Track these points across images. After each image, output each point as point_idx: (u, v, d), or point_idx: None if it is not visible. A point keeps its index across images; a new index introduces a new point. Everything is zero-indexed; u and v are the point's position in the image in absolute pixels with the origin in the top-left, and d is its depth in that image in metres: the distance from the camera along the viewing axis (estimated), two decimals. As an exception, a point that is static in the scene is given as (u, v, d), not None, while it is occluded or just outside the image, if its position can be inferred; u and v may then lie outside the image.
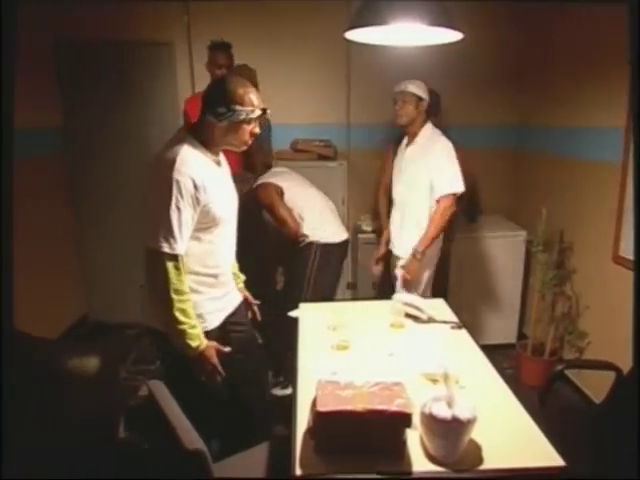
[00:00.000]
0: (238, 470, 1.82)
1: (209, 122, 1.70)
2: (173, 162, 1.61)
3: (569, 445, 1.40)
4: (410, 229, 2.73)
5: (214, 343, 1.79)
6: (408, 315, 2.19)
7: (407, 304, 2.20)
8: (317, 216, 2.91)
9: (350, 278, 3.87)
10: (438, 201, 2.61)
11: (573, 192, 3.11)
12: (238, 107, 1.67)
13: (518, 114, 3.82)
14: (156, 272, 1.64)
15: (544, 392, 2.71)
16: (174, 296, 1.64)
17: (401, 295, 2.27)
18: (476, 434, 1.32)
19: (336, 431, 1.31)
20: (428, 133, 2.72)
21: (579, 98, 3.01)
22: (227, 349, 1.82)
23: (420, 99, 2.65)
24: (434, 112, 3.09)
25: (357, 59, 3.65)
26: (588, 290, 2.97)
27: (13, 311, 1.30)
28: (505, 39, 3.62)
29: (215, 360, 1.77)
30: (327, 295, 2.92)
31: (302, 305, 2.41)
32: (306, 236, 2.86)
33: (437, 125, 2.80)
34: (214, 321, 1.87)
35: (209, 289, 1.85)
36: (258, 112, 1.73)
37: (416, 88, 2.64)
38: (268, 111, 1.78)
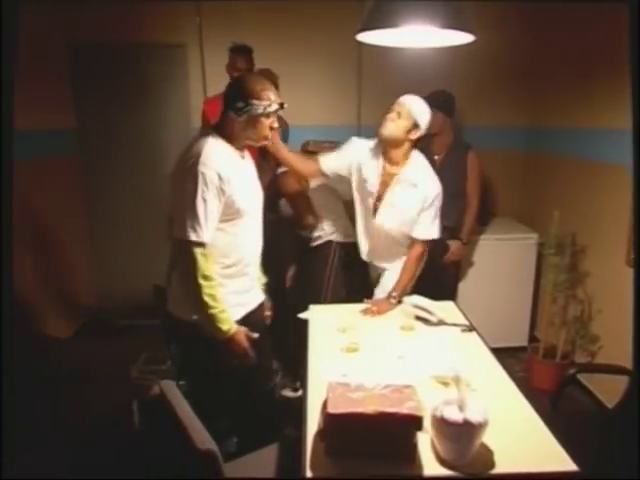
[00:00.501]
0: (248, 471, 1.83)
1: (230, 118, 1.78)
2: (198, 155, 1.69)
3: (581, 449, 1.38)
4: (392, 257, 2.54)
5: (244, 328, 1.85)
6: (418, 318, 2.19)
7: (417, 307, 2.19)
8: (337, 215, 2.91)
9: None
10: (415, 242, 2.40)
11: (586, 194, 3.08)
12: (255, 101, 1.74)
13: (530, 115, 3.79)
14: (185, 260, 1.72)
15: (556, 396, 2.69)
16: (203, 282, 1.70)
17: (411, 297, 2.26)
18: (487, 438, 1.31)
19: (347, 433, 1.31)
20: (421, 169, 2.36)
21: (592, 99, 2.98)
22: (256, 335, 1.87)
23: (416, 125, 2.26)
24: (449, 113, 3.08)
25: (369, 59, 3.64)
26: (601, 293, 2.95)
27: (12, 312, 1.30)
28: (516, 40, 3.59)
29: (246, 344, 1.83)
30: (343, 296, 2.91)
31: (312, 307, 2.42)
32: (320, 234, 2.87)
33: (454, 126, 2.67)
34: (235, 315, 1.88)
35: (232, 282, 1.88)
36: (275, 106, 1.79)
37: (420, 114, 2.27)
38: (285, 105, 1.84)
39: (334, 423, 1.31)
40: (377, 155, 2.40)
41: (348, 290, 2.99)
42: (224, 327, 1.76)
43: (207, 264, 1.72)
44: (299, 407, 1.65)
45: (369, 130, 3.54)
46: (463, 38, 1.86)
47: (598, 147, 2.94)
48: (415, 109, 2.26)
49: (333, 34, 3.57)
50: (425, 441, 1.36)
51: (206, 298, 1.72)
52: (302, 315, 2.33)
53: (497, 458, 1.31)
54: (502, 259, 3.47)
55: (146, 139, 3.76)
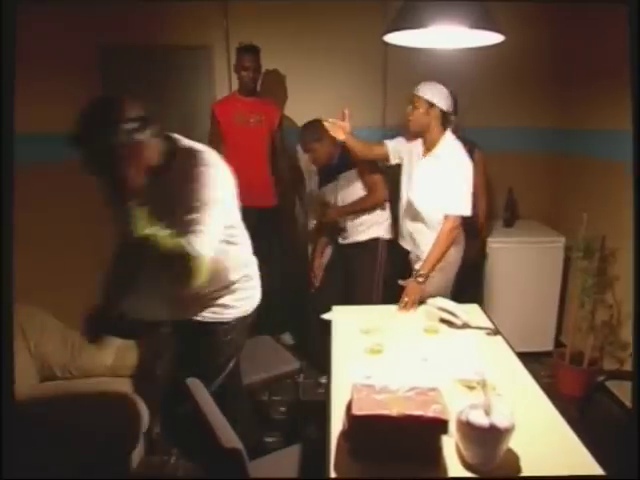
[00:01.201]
0: (272, 469, 1.83)
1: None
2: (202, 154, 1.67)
3: (608, 456, 1.36)
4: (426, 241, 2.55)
5: None
6: (442, 320, 2.17)
7: (441, 309, 2.18)
8: (382, 209, 2.95)
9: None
10: (446, 218, 2.42)
11: (615, 197, 3.01)
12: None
13: (557, 117, 3.73)
14: (183, 268, 1.53)
15: (584, 403, 2.64)
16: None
17: (436, 300, 2.24)
18: (513, 443, 1.30)
19: (371, 435, 1.31)
20: (449, 146, 2.46)
21: (621, 100, 2.92)
22: None
23: (431, 105, 2.41)
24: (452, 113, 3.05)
25: (394, 60, 3.63)
26: (631, 298, 2.88)
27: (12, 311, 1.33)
28: (541, 41, 3.53)
29: None
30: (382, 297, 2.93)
31: (335, 308, 2.42)
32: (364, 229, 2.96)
33: (456, 126, 2.68)
34: (230, 315, 1.90)
35: (238, 289, 1.91)
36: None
37: (429, 92, 2.42)
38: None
39: (359, 424, 1.30)
40: (418, 143, 2.61)
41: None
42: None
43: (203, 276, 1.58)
44: (319, 407, 1.65)
45: (394, 132, 3.53)
46: (492, 38, 1.84)
47: (628, 149, 2.87)
48: (423, 91, 2.44)
49: (358, 35, 3.57)
50: (450, 445, 1.35)
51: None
52: (325, 316, 2.34)
53: (524, 463, 1.29)
54: (528, 262, 3.42)
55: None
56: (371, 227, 2.98)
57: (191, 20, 3.57)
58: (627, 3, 1.49)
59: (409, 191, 2.60)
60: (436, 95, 2.43)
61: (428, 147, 2.52)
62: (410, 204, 2.59)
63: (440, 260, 2.42)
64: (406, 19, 1.77)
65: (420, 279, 2.37)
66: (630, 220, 2.90)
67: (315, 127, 2.85)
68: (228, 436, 1.41)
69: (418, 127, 2.48)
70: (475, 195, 3.08)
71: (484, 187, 3.22)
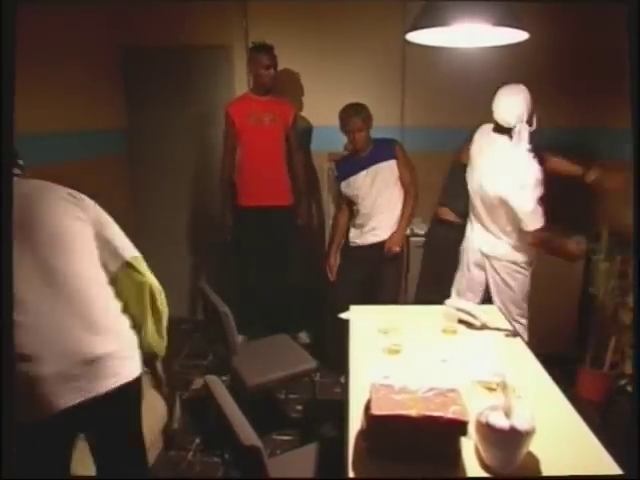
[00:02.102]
0: (288, 469, 1.85)
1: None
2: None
3: (629, 460, 1.33)
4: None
5: None
6: (461, 321, 2.15)
7: (460, 310, 2.16)
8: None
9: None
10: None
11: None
12: None
13: (578, 117, 3.67)
14: (150, 273, 1.63)
15: (605, 407, 2.60)
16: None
17: (453, 300, 2.23)
18: (533, 446, 1.28)
19: (390, 435, 1.31)
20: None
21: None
22: None
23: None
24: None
25: (413, 59, 3.61)
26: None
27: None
28: (555, 40, 3.47)
29: None
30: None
31: (352, 307, 2.41)
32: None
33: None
34: None
35: None
36: None
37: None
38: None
39: (377, 424, 1.30)
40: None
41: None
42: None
43: None
44: (336, 406, 1.66)
45: (412, 132, 3.54)
46: (517, 36, 1.82)
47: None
48: None
49: (377, 34, 3.56)
50: (469, 446, 1.34)
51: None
52: (343, 315, 2.33)
53: (544, 466, 1.28)
54: (548, 263, 3.36)
55: (193, 138, 3.85)
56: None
57: (211, 20, 3.60)
58: (627, 3, 1.46)
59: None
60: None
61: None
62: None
63: None
64: (429, 17, 1.75)
65: None
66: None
67: (364, 109, 2.86)
68: (247, 433, 1.42)
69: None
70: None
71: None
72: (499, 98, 2.51)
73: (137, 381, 1.54)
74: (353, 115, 2.83)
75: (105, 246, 1.52)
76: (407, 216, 2.99)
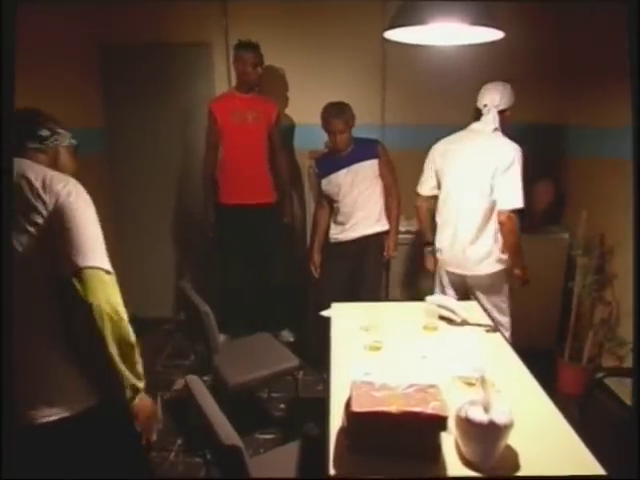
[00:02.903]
0: (270, 467, 1.84)
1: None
2: (73, 181, 1.41)
3: (607, 454, 1.36)
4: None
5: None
6: (442, 317, 2.17)
7: (441, 306, 2.18)
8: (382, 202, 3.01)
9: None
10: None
11: (615, 194, 3.01)
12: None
13: (556, 114, 3.72)
14: (104, 292, 1.33)
15: (583, 400, 2.64)
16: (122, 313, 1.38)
17: (435, 297, 2.25)
18: (512, 440, 1.30)
19: (371, 432, 1.31)
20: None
21: (622, 97, 2.92)
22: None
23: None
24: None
25: (393, 57, 3.62)
26: (629, 296, 2.88)
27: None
28: (540, 39, 3.52)
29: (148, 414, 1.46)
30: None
31: (334, 305, 2.41)
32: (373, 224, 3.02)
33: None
34: None
35: None
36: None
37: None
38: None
39: (358, 421, 1.31)
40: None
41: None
42: (141, 384, 1.42)
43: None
44: (318, 403, 1.66)
45: (393, 130, 3.55)
46: (491, 35, 1.84)
47: (628, 146, 2.87)
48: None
49: (357, 33, 3.57)
50: (449, 442, 1.35)
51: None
52: (324, 313, 2.34)
53: (523, 461, 1.29)
54: (530, 258, 3.40)
55: (173, 137, 3.81)
56: (380, 220, 3.02)
57: (190, 17, 3.57)
58: (627, 3, 1.49)
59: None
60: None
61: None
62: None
63: (516, 254, 2.59)
64: (406, 16, 1.77)
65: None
66: (629, 218, 2.91)
67: (346, 110, 2.86)
68: (228, 433, 1.41)
69: None
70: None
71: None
72: (484, 85, 2.62)
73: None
74: (335, 116, 2.83)
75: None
76: (395, 218, 3.06)
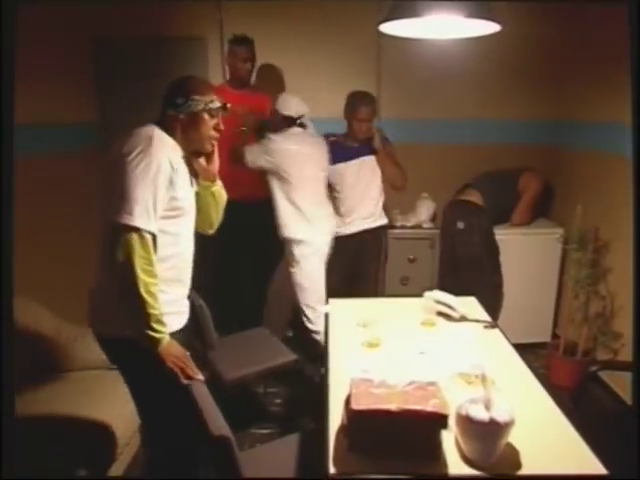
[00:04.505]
0: (265, 461, 1.83)
1: (169, 115, 1.70)
2: (150, 139, 1.60)
3: (602, 447, 1.36)
4: None
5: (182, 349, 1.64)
6: (440, 313, 2.16)
7: (439, 302, 2.17)
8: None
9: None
10: None
11: (609, 188, 3.02)
12: (197, 97, 1.67)
13: (552, 109, 3.72)
14: (123, 250, 1.50)
15: (577, 393, 2.65)
16: (143, 276, 1.51)
17: (433, 293, 2.24)
18: (513, 437, 1.30)
19: (370, 430, 1.31)
20: None
21: (615, 92, 2.91)
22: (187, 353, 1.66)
23: None
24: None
25: (388, 51, 3.59)
26: (624, 290, 2.89)
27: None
28: (542, 33, 3.51)
29: (184, 356, 1.63)
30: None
31: (331, 301, 2.41)
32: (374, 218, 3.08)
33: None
34: (174, 324, 1.71)
35: (172, 288, 1.71)
36: (218, 103, 1.71)
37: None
38: (228, 105, 1.76)
39: (357, 419, 1.30)
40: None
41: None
42: (158, 335, 1.55)
43: (150, 255, 1.53)
44: (315, 398, 1.65)
45: (388, 124, 3.53)
46: (488, 28, 1.82)
47: (623, 140, 2.88)
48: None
49: (352, 27, 3.53)
50: (449, 440, 1.35)
51: (146, 295, 1.51)
52: (322, 308, 2.33)
53: (524, 459, 1.29)
54: (525, 253, 3.42)
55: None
56: (380, 215, 3.06)
57: (185, 11, 3.52)
58: (627, 2, 1.48)
59: None
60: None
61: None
62: None
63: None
64: (401, 8, 1.75)
65: None
66: (624, 212, 2.92)
67: (374, 100, 2.91)
68: (218, 424, 1.39)
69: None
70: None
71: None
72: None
73: None
74: (365, 104, 2.86)
75: None
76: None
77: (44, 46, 3.08)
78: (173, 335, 1.65)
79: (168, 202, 1.62)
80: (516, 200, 3.44)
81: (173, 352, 1.59)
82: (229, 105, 1.76)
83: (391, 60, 3.61)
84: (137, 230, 1.51)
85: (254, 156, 2.75)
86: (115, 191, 1.55)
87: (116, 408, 2.21)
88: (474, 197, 3.32)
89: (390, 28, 1.91)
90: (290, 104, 2.74)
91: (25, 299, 2.50)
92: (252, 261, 3.50)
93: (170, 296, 1.69)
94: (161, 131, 1.67)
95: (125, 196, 1.52)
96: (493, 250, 3.34)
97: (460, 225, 3.30)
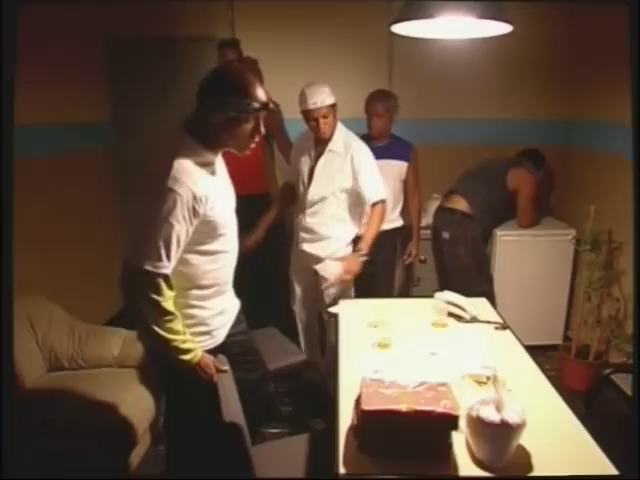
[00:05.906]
0: (276, 458, 1.83)
1: (203, 116, 1.53)
2: (169, 168, 1.44)
3: (617, 451, 1.35)
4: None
5: (211, 358, 1.65)
6: (451, 314, 2.16)
7: (450, 303, 2.17)
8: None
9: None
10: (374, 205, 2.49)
11: (624, 190, 2.98)
12: (230, 98, 1.48)
13: (565, 109, 3.69)
14: (138, 292, 1.47)
15: (590, 396, 2.63)
16: (156, 316, 1.48)
17: (444, 293, 2.23)
18: (525, 439, 1.29)
19: (381, 430, 1.31)
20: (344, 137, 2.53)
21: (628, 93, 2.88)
22: (225, 367, 1.66)
23: (334, 105, 2.49)
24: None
25: (401, 50, 3.59)
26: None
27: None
28: (555, 34, 3.49)
29: (212, 370, 1.62)
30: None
31: (342, 301, 2.41)
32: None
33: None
34: (220, 336, 1.75)
35: (215, 303, 1.71)
36: (256, 104, 1.50)
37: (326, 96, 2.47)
38: (271, 105, 1.61)
39: (368, 419, 1.30)
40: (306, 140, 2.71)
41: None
42: (187, 357, 1.55)
43: (164, 298, 1.47)
44: (325, 398, 1.64)
45: (399, 125, 3.52)
46: (500, 29, 1.81)
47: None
48: (322, 99, 2.47)
49: (364, 27, 3.54)
50: (460, 441, 1.35)
51: (164, 333, 1.48)
52: (332, 309, 2.33)
53: (535, 461, 1.28)
54: (537, 255, 3.40)
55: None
56: (396, 218, 3.04)
57: (197, 12, 3.55)
58: (627, 2, 1.47)
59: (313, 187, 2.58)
60: (330, 94, 2.47)
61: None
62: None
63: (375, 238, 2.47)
64: (414, 9, 1.75)
65: (362, 254, 2.41)
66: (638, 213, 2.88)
67: (390, 98, 2.88)
68: (231, 411, 1.40)
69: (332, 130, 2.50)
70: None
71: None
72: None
73: None
74: (376, 99, 2.84)
75: None
76: (417, 223, 3.10)
77: (56, 46, 3.11)
78: (229, 338, 1.75)
79: (200, 227, 1.53)
80: (508, 199, 3.26)
81: (203, 364, 1.60)
82: (272, 105, 1.62)
83: (403, 61, 3.61)
84: (153, 274, 1.44)
85: None
86: (131, 224, 1.53)
87: (128, 406, 2.23)
88: (458, 204, 3.19)
89: (402, 29, 1.91)
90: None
91: (38, 298, 2.54)
92: (261, 261, 3.49)
93: (212, 312, 1.70)
94: (187, 145, 1.53)
95: (137, 233, 1.48)
96: (481, 259, 3.26)
97: (445, 235, 3.19)
